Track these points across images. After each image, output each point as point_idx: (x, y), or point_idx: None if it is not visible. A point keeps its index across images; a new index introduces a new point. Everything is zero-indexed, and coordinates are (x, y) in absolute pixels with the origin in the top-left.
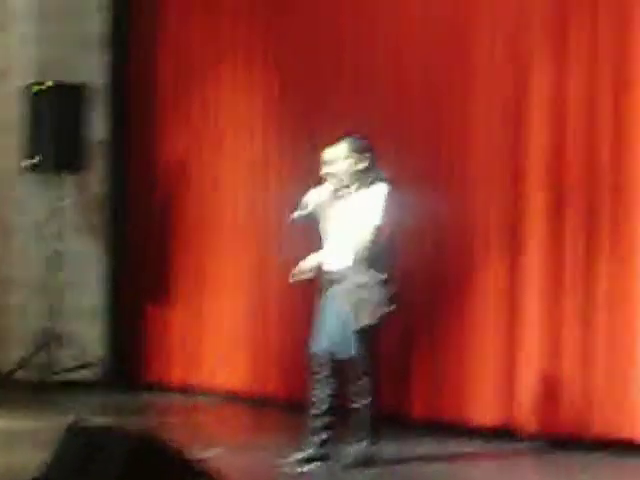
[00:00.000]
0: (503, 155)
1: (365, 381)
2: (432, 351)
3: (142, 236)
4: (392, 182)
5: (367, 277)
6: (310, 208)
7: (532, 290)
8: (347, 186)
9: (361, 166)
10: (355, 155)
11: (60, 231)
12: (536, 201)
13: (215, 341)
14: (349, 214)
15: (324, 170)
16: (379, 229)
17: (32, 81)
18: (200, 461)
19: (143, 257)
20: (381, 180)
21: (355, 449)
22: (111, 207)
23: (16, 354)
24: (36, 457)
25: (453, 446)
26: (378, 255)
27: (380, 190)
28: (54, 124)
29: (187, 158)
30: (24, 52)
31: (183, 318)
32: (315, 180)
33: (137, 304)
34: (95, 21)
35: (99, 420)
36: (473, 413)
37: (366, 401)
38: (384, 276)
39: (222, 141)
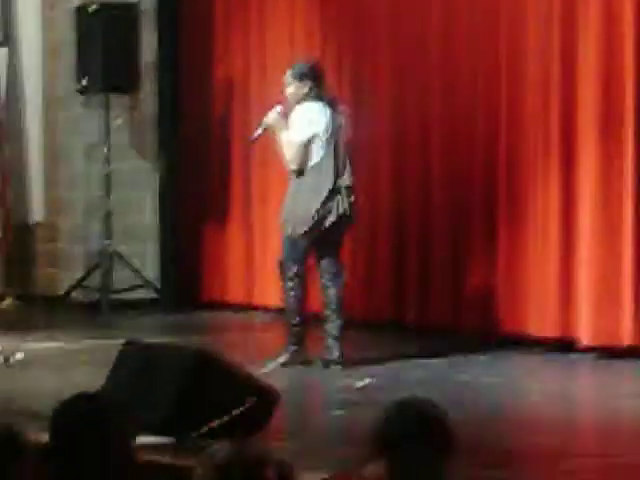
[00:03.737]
0: (555, 68)
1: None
2: (488, 263)
3: (196, 156)
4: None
5: (293, 192)
6: (260, 130)
7: (586, 199)
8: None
9: (301, 92)
10: (296, 82)
11: (112, 152)
12: (589, 113)
13: (272, 258)
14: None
15: None
16: (300, 144)
17: (82, 3)
18: (257, 377)
19: (198, 176)
20: (315, 99)
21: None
22: (163, 127)
23: (72, 275)
24: (94, 376)
25: (511, 359)
26: (308, 170)
27: (301, 108)
28: (104, 45)
29: (241, 77)
30: None
31: (241, 237)
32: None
33: (194, 223)
34: None
35: (157, 339)
36: (531, 325)
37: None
38: (310, 191)
39: (279, 59)
